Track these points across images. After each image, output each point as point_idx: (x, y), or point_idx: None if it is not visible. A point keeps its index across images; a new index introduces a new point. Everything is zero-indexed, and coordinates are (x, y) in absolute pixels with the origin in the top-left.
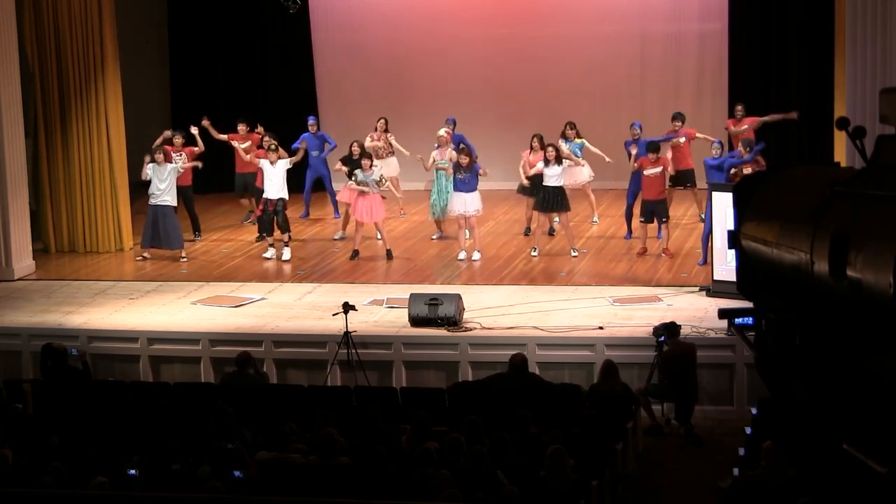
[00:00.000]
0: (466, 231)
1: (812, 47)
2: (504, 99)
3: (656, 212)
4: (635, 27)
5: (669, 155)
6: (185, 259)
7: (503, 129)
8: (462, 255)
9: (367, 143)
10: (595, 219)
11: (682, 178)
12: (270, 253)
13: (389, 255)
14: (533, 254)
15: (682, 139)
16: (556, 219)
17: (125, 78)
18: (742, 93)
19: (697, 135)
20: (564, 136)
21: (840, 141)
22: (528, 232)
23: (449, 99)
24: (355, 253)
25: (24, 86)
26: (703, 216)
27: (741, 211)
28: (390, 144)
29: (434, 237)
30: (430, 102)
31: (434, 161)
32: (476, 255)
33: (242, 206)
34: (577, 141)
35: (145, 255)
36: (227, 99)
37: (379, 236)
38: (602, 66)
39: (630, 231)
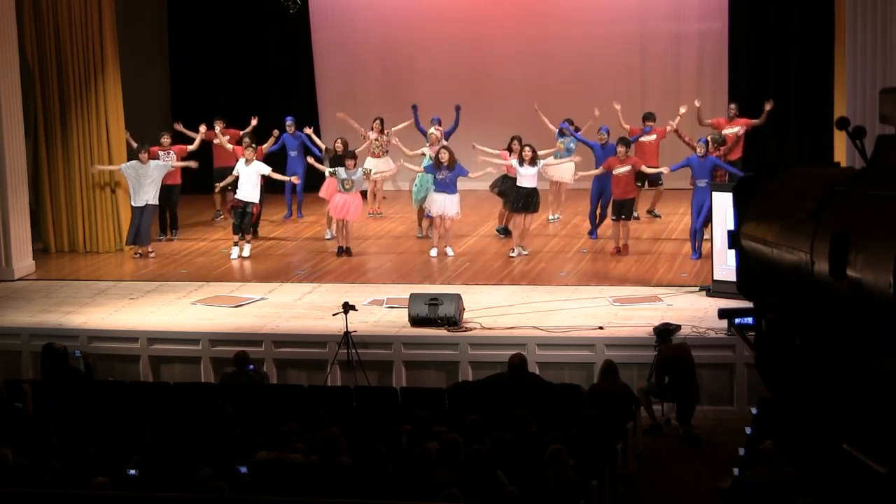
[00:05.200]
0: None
1: (812, 47)
2: (504, 99)
3: (625, 209)
4: (635, 27)
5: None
6: (152, 255)
7: (503, 129)
8: (434, 253)
9: (363, 146)
10: (556, 216)
11: (650, 177)
12: (235, 253)
13: (348, 251)
14: (511, 255)
15: (653, 137)
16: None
17: (125, 78)
18: (742, 93)
19: (674, 128)
20: (561, 132)
21: (840, 141)
22: (499, 230)
23: (449, 98)
24: (340, 249)
25: (24, 86)
26: (656, 212)
27: (741, 211)
28: (387, 144)
29: (418, 235)
30: (430, 102)
31: (425, 155)
32: (450, 252)
33: (215, 203)
34: (570, 138)
35: (140, 252)
36: (227, 99)
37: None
38: (602, 65)
39: (594, 231)
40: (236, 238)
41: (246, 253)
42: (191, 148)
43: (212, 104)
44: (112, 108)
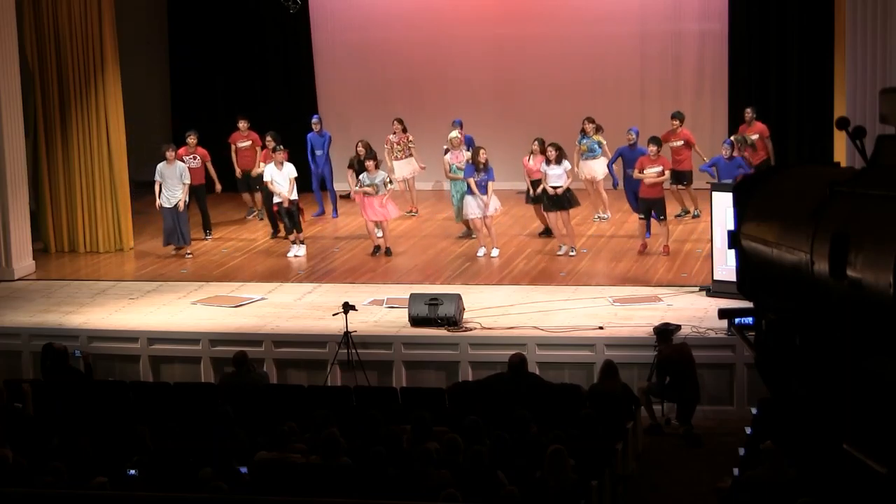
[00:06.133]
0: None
1: (812, 47)
2: (504, 98)
3: (654, 209)
4: (635, 27)
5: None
6: (190, 255)
7: (503, 129)
8: (481, 252)
9: (386, 149)
10: (605, 215)
11: (679, 177)
12: (294, 251)
13: (388, 252)
14: (559, 253)
15: (681, 142)
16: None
17: (125, 78)
18: (742, 93)
19: (696, 149)
20: (583, 132)
21: (840, 141)
22: (543, 233)
23: (449, 98)
24: (377, 248)
25: (24, 86)
26: (698, 212)
27: (741, 211)
28: (409, 147)
29: (459, 235)
30: (430, 102)
31: (450, 166)
32: (495, 252)
33: (245, 203)
34: (596, 137)
35: (176, 250)
36: (227, 99)
37: (380, 234)
38: (602, 65)
39: (648, 230)
40: (292, 237)
41: (301, 252)
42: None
43: (211, 104)
44: (112, 108)
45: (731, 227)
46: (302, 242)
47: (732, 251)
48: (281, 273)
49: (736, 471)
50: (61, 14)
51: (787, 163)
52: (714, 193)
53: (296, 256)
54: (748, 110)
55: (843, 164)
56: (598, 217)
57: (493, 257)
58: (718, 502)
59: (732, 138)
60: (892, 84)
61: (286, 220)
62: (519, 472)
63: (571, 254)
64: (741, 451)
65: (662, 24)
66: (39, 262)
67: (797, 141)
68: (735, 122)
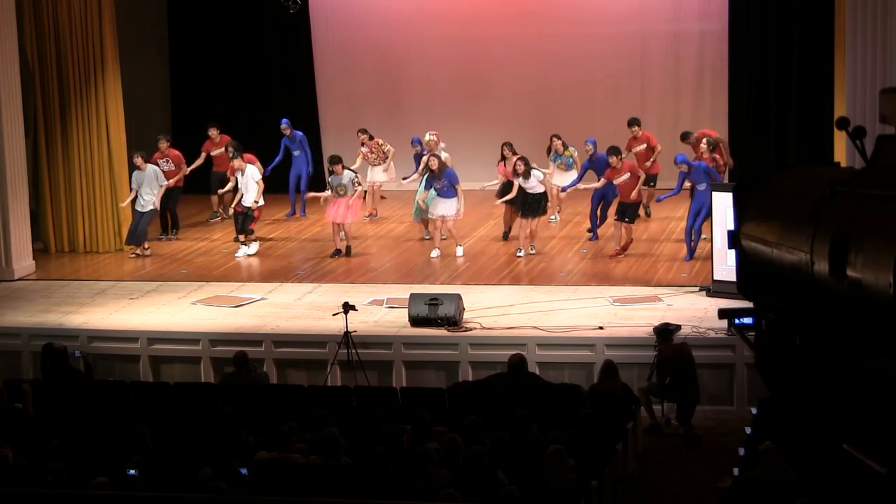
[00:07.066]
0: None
1: (812, 47)
2: (504, 99)
3: (627, 211)
4: (636, 27)
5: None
6: (148, 251)
7: (503, 129)
8: (435, 254)
9: (358, 162)
10: (555, 217)
11: (646, 179)
12: (241, 252)
13: (348, 251)
14: (519, 255)
15: (643, 146)
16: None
17: (125, 78)
18: (742, 93)
19: (658, 147)
20: (554, 150)
21: (840, 141)
22: (506, 236)
23: (449, 98)
24: (337, 252)
25: (24, 86)
26: (648, 211)
27: (741, 211)
28: (382, 151)
29: (426, 237)
30: (430, 102)
31: (425, 166)
32: (459, 251)
33: (212, 205)
34: (567, 153)
35: (138, 251)
36: (227, 99)
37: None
38: (602, 66)
39: (595, 232)
40: (242, 238)
41: (253, 250)
42: (188, 167)
43: (211, 104)
44: (112, 108)
45: (731, 227)
46: (254, 241)
47: (732, 251)
48: (281, 273)
49: (736, 471)
50: (61, 14)
51: (787, 163)
52: (714, 193)
53: (246, 256)
54: (634, 126)
55: (843, 164)
56: (553, 219)
57: (458, 256)
58: (718, 502)
59: (703, 142)
60: (892, 84)
61: (239, 222)
62: (519, 472)
63: (532, 252)
64: (741, 451)
65: (662, 24)
66: (39, 262)
67: (797, 141)
68: (735, 122)
